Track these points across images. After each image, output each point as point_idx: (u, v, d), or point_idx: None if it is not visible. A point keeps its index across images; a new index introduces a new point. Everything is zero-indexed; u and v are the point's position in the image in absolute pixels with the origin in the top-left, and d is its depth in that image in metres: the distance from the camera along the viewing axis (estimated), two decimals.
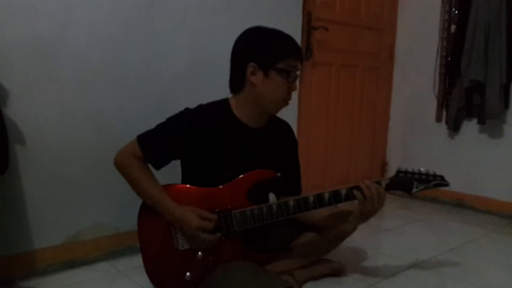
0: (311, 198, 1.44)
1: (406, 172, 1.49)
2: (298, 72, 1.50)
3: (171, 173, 1.56)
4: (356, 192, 1.44)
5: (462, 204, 2.84)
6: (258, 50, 1.46)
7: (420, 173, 1.49)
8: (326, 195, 1.44)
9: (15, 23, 1.55)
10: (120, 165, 1.46)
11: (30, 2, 1.57)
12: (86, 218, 1.80)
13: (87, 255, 1.79)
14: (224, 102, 1.54)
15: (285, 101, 1.51)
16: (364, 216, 1.52)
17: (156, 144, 1.46)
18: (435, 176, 1.49)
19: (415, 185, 1.48)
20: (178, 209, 1.40)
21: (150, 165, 1.48)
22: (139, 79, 1.87)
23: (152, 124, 1.50)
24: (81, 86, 1.72)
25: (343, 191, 1.45)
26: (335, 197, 1.45)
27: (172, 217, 1.40)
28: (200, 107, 1.53)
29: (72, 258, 1.76)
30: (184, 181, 1.56)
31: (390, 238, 2.27)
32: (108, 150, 1.58)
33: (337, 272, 1.72)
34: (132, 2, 1.81)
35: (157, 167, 1.49)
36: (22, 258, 1.65)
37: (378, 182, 1.47)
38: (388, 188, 1.48)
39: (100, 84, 1.77)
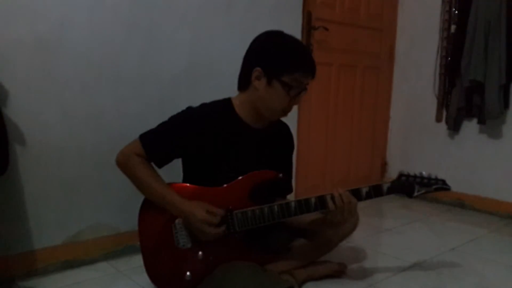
0: (313, 200, 1.44)
1: (408, 176, 1.49)
2: (304, 86, 1.46)
3: (172, 172, 1.56)
4: (328, 200, 1.42)
5: (462, 204, 2.84)
6: (267, 57, 1.44)
7: (422, 177, 1.49)
8: (328, 197, 1.44)
9: (15, 23, 1.55)
10: (123, 164, 1.46)
11: (30, 2, 1.57)
12: (86, 218, 1.80)
13: (87, 255, 1.79)
14: (227, 101, 1.54)
15: (284, 112, 1.50)
16: (333, 223, 1.47)
17: (158, 143, 1.46)
18: (436, 180, 1.49)
19: (417, 188, 1.48)
20: (184, 202, 1.40)
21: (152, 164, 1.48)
22: (139, 79, 1.87)
23: (151, 125, 1.50)
24: (81, 86, 1.72)
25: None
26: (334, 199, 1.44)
27: (179, 211, 1.41)
28: (203, 106, 1.53)
29: (72, 258, 1.76)
30: (185, 180, 1.56)
31: (390, 238, 2.27)
32: (108, 150, 1.58)
33: (338, 273, 1.72)
34: (132, 2, 1.81)
35: (160, 166, 1.49)
36: (22, 258, 1.65)
37: (379, 186, 1.47)
38: (390, 191, 1.47)
39: (100, 84, 1.77)
